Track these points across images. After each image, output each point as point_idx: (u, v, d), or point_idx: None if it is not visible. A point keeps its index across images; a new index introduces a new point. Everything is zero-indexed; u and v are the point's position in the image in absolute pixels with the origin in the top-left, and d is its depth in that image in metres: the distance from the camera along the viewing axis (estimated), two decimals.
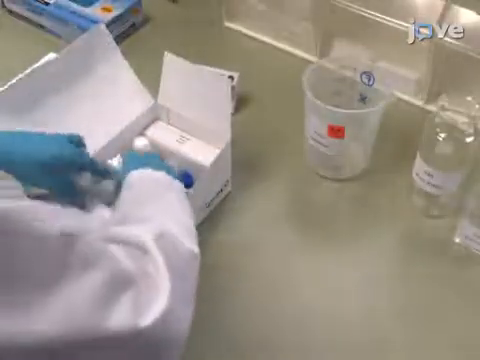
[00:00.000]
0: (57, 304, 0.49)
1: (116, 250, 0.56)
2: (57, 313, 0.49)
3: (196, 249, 0.62)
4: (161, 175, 0.72)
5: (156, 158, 0.80)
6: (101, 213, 0.75)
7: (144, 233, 0.59)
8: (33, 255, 0.48)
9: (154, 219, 0.63)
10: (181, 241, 0.61)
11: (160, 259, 0.57)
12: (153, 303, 0.54)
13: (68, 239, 0.51)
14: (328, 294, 0.86)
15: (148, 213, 0.65)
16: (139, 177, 0.72)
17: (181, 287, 0.57)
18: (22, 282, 0.48)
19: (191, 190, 0.90)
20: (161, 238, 0.59)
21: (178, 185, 0.72)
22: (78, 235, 0.53)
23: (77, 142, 0.76)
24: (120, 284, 0.54)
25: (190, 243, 0.62)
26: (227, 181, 0.95)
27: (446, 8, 0.99)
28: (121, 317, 0.52)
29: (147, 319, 0.53)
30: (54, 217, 0.52)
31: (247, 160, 1.01)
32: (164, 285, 0.55)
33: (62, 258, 0.50)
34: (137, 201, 0.68)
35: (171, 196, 0.70)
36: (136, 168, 0.72)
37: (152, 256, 0.57)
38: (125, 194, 0.70)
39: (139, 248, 0.58)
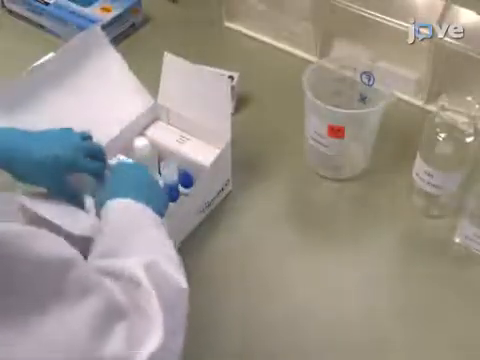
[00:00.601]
0: (53, 331, 0.48)
1: (109, 283, 0.56)
2: (53, 340, 0.48)
3: (184, 284, 0.61)
4: (140, 209, 0.69)
5: (144, 173, 0.78)
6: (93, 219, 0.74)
7: (134, 265, 0.59)
8: (29, 280, 0.48)
9: (141, 252, 0.63)
10: (170, 273, 0.61)
11: (152, 292, 0.57)
12: (147, 339, 0.54)
13: (65, 265, 0.51)
14: (328, 294, 0.86)
15: (134, 246, 0.64)
16: (118, 209, 0.69)
17: (173, 319, 0.57)
18: (18, 307, 0.47)
19: (191, 190, 0.90)
20: (151, 270, 0.59)
21: (155, 218, 0.70)
22: (75, 261, 0.52)
23: (87, 137, 0.77)
24: (114, 315, 0.53)
25: (178, 274, 0.61)
26: (227, 181, 0.95)
27: (446, 8, 0.99)
28: (116, 349, 0.52)
29: (143, 355, 0.53)
30: (52, 242, 0.52)
31: (247, 160, 1.01)
32: (157, 319, 0.55)
33: (58, 284, 0.50)
34: (120, 234, 0.66)
35: (151, 230, 0.68)
36: (117, 190, 0.71)
37: (144, 289, 0.57)
38: (106, 226, 0.68)
39: (131, 281, 0.57)
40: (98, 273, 0.56)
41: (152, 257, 0.61)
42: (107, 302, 0.53)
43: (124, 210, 0.69)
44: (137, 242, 0.65)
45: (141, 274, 0.58)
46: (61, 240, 0.53)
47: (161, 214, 0.72)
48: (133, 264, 0.59)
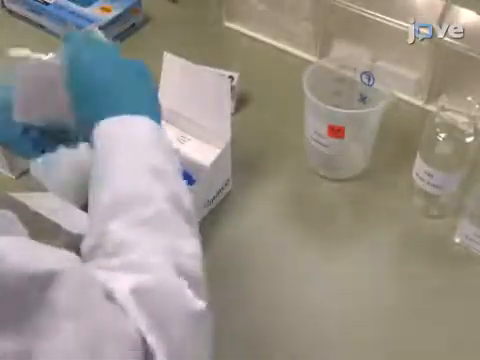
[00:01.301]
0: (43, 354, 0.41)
1: (99, 299, 0.46)
2: None
3: (198, 304, 0.50)
4: (145, 126, 0.54)
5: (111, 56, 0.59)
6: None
7: (122, 287, 0.47)
8: (9, 295, 0.41)
9: (142, 259, 0.50)
10: (175, 295, 0.49)
11: (144, 328, 0.46)
12: None
13: (48, 279, 0.43)
14: (327, 294, 0.86)
15: (133, 243, 0.51)
16: (110, 136, 0.54)
17: (185, 352, 0.48)
18: None
19: (191, 190, 0.90)
20: (144, 297, 0.47)
21: (166, 139, 0.56)
22: (61, 275, 0.43)
23: None
24: (105, 338, 0.45)
25: (192, 290, 0.50)
26: (227, 180, 0.95)
27: (446, 8, 0.99)
28: None
29: None
30: (38, 256, 0.44)
31: (247, 160, 1.01)
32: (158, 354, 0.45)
33: (41, 300, 0.42)
34: (116, 207, 0.52)
35: (160, 188, 0.53)
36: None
37: (133, 321, 0.46)
38: (98, 178, 0.54)
39: (116, 304, 0.47)
40: (88, 287, 0.46)
41: (147, 276, 0.48)
42: (96, 324, 0.45)
43: (118, 141, 0.54)
44: (138, 228, 0.51)
45: (130, 305, 0.46)
46: (46, 251, 0.45)
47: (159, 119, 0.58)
48: (120, 284, 0.47)
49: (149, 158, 0.55)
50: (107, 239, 0.51)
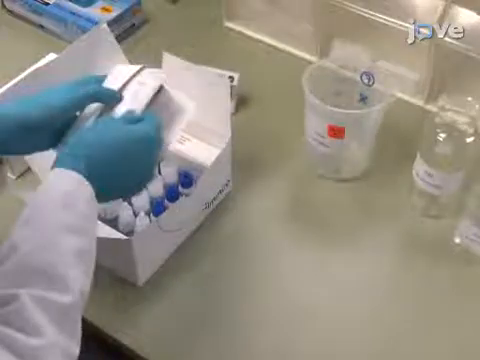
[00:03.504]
0: None
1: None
2: None
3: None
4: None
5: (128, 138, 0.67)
6: None
7: None
8: None
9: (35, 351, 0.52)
10: None
11: None
12: None
13: None
14: (327, 294, 0.86)
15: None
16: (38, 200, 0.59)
17: None
18: None
19: (191, 190, 0.90)
20: None
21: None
22: None
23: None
24: None
25: None
26: (228, 181, 0.95)
27: (446, 8, 0.99)
28: None
29: None
30: None
31: (247, 160, 1.01)
32: None
33: None
34: (32, 274, 0.55)
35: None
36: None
37: None
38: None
39: None
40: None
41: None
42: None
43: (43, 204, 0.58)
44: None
45: None
46: None
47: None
48: None
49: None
50: (14, 305, 0.53)
